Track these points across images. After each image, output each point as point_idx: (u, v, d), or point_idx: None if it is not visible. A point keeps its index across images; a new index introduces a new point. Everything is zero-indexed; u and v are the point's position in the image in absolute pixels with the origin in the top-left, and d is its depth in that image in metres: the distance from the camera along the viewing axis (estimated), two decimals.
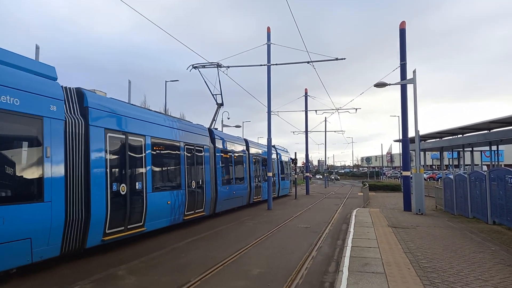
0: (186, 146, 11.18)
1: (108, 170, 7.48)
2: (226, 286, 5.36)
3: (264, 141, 20.21)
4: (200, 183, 12.02)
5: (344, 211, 15.81)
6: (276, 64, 17.46)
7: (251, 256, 7.33)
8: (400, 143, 18.54)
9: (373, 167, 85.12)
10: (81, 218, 6.76)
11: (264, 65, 17.21)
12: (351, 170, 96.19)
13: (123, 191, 7.91)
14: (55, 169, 6.18)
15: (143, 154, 8.84)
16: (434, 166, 68.29)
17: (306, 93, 29.33)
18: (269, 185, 17.46)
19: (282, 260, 6.93)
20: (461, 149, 42.67)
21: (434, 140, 43.23)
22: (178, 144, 10.73)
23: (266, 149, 20.94)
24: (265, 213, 15.14)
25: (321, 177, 53.00)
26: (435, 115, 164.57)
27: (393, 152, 75.76)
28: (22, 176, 5.75)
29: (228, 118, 18.47)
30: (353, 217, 12.11)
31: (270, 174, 17.70)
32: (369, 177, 63.65)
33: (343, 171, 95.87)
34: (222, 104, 16.47)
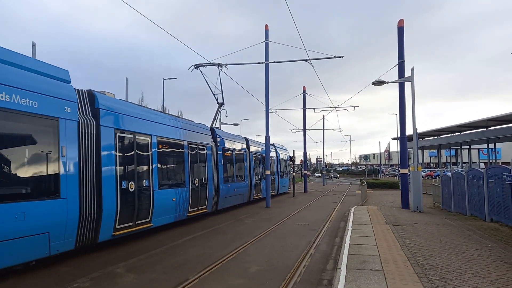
0: (189, 145, 11.51)
1: (117, 168, 7.82)
2: (225, 284, 5.36)
3: (262, 139, 20.20)
4: (203, 181, 12.37)
5: (342, 209, 15.84)
6: (274, 62, 17.44)
7: (250, 254, 7.33)
8: (398, 141, 18.60)
9: (371, 165, 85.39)
10: (94, 214, 7.09)
11: (262, 63, 17.18)
12: (349, 168, 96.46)
13: (131, 188, 8.25)
14: (70, 168, 6.56)
15: (150, 153, 9.16)
16: (432, 164, 68.57)
17: (304, 91, 29.33)
18: (267, 183, 17.45)
19: (281, 258, 6.94)
20: (459, 147, 42.85)
21: (432, 138, 43.37)
22: (182, 143, 11.07)
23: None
24: (263, 211, 15.15)
25: (320, 175, 53.04)
26: (433, 114, 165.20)
27: (391, 150, 75.99)
28: (41, 174, 6.11)
29: (226, 116, 18.46)
30: (351, 215, 12.14)
31: (268, 172, 17.69)
32: (367, 175, 63.88)
33: (341, 169, 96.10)
34: (223, 103, 16.78)
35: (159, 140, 9.65)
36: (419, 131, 20.29)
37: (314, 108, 29.41)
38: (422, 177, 20.57)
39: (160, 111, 11.49)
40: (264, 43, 17.00)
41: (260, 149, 20.11)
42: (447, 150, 52.39)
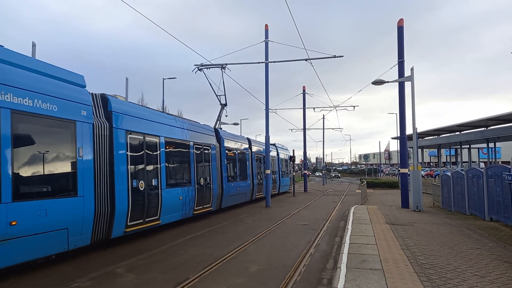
0: (195, 145, 11.90)
1: (129, 168, 8.23)
2: (225, 283, 5.36)
3: (262, 139, 20.24)
4: (208, 180, 12.73)
5: (342, 208, 15.84)
6: (274, 62, 17.42)
7: (250, 253, 7.33)
8: (398, 140, 18.59)
9: (371, 165, 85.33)
10: (107, 211, 7.49)
11: (262, 62, 17.16)
12: (349, 167, 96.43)
13: (141, 187, 8.64)
14: (86, 167, 6.97)
15: (158, 153, 9.54)
16: (431, 163, 68.56)
17: (304, 90, 29.31)
18: (267, 183, 17.45)
19: (281, 257, 6.95)
20: (459, 146, 42.86)
21: (432, 137, 43.39)
22: (188, 144, 11.47)
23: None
24: (263, 210, 15.15)
25: (321, 174, 52.85)
26: (433, 113, 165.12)
27: (391, 150, 75.99)
28: (60, 173, 6.54)
29: (226, 116, 18.48)
30: (351, 214, 12.15)
31: (268, 171, 17.66)
32: (367, 174, 63.82)
33: (341, 169, 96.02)
34: (225, 105, 17.11)
35: (166, 140, 10.01)
36: (419, 130, 20.30)
37: (314, 108, 29.41)
38: (422, 176, 20.57)
39: (167, 113, 11.98)
40: (264, 42, 16.97)
41: (262, 149, 20.36)
42: (447, 149, 52.43)
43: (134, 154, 8.51)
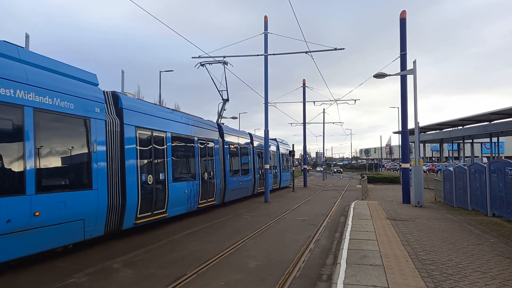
0: (199, 141, 12.29)
1: (138, 162, 8.61)
2: (223, 279, 5.31)
3: (261, 133, 20.21)
4: (211, 175, 13.12)
5: (342, 203, 15.78)
6: (273, 54, 17.19)
7: (249, 249, 7.28)
8: (400, 134, 18.44)
9: (372, 159, 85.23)
10: (119, 203, 7.89)
11: (262, 55, 16.94)
12: (350, 162, 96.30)
13: (150, 181, 9.02)
14: (100, 162, 7.36)
15: (165, 148, 9.90)
16: (433, 158, 68.38)
17: (304, 83, 29.05)
18: (266, 178, 17.39)
19: (280, 253, 6.89)
20: (461, 141, 42.63)
21: (434, 131, 43.14)
22: (192, 139, 11.85)
23: (270, 143, 22.56)
24: (262, 206, 15.11)
25: (322, 169, 52.64)
26: (435, 107, 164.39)
27: (392, 144, 75.73)
28: (77, 167, 7.00)
29: (225, 110, 18.43)
30: (351, 209, 12.08)
31: (267, 166, 17.56)
32: (367, 169, 63.63)
33: (341, 163, 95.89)
34: (227, 100, 17.24)
35: (173, 136, 10.38)
36: (421, 124, 20.08)
37: (314, 101, 29.15)
38: (424, 171, 20.45)
39: (172, 109, 12.11)
40: (263, 34, 16.74)
41: (263, 144, 20.42)
42: (449, 144, 52.18)
43: (143, 149, 8.86)
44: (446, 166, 17.58)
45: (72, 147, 6.87)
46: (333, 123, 42.06)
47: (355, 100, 27.05)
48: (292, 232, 9.10)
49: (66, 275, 5.51)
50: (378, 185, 28.80)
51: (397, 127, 36.26)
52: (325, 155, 58.20)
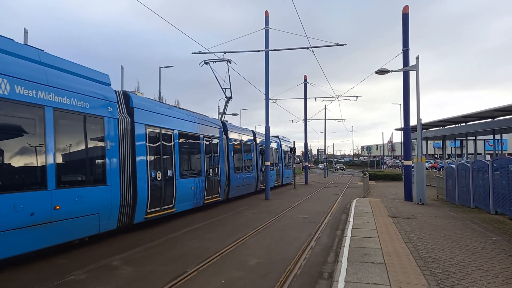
0: (204, 138, 12.64)
1: (148, 159, 8.94)
2: (223, 277, 5.28)
3: (262, 130, 20.22)
4: (216, 171, 13.47)
5: (343, 201, 15.73)
6: (274, 50, 17.09)
7: (249, 246, 7.25)
8: (402, 131, 18.35)
9: (374, 156, 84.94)
10: (131, 199, 8.23)
11: (262, 50, 16.82)
12: (351, 159, 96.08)
13: (159, 178, 9.38)
14: (113, 159, 7.71)
15: (173, 146, 10.26)
16: (436, 155, 68.11)
17: (305, 80, 28.88)
18: (267, 175, 17.37)
19: (281, 251, 6.85)
20: (464, 138, 42.42)
21: (437, 128, 42.94)
22: (198, 136, 12.21)
23: (273, 140, 22.86)
24: (263, 203, 15.07)
25: (323, 166, 52.34)
26: (438, 104, 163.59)
27: (394, 141, 75.49)
28: (93, 164, 7.35)
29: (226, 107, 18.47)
30: (353, 207, 12.03)
31: (268, 163, 17.53)
32: (369, 166, 63.50)
33: (343, 160, 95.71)
34: (231, 98, 17.52)
35: (180, 134, 10.72)
36: (423, 121, 19.99)
37: (315, 98, 28.93)
38: (426, 168, 20.36)
39: (179, 107, 12.59)
40: (264, 30, 16.60)
41: None
42: (452, 141, 51.93)
43: (152, 146, 9.20)
44: (448, 163, 17.47)
45: (88, 145, 7.23)
46: (335, 119, 41.98)
47: (356, 97, 26.92)
48: (293, 229, 9.06)
49: (66, 272, 5.50)
50: (380, 183, 28.71)
51: (399, 123, 36.10)
52: (326, 152, 58.04)
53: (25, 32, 7.27)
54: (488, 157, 38.58)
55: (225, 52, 16.06)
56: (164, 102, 18.38)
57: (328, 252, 6.76)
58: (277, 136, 25.58)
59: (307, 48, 16.06)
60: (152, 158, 9.18)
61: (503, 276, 4.86)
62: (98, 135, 7.41)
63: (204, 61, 16.45)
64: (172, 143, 10.22)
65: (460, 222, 9.29)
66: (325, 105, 38.89)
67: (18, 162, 5.73)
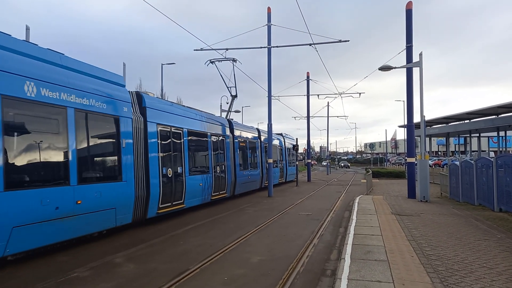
0: (212, 136, 13.06)
1: (159, 157, 9.33)
2: (226, 274, 5.28)
3: (264, 127, 20.28)
4: (223, 168, 13.89)
5: (346, 198, 15.68)
6: (276, 46, 16.96)
7: (251, 243, 7.24)
8: (405, 128, 18.22)
9: (377, 154, 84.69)
10: (144, 194, 8.65)
11: (264, 47, 16.73)
12: (354, 156, 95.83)
13: (169, 174, 9.78)
14: (128, 156, 8.08)
15: (182, 144, 10.65)
16: (440, 152, 67.74)
17: (308, 76, 28.74)
18: (270, 172, 17.34)
19: (283, 248, 6.84)
20: (468, 135, 42.10)
21: (440, 125, 42.65)
22: (206, 134, 12.61)
23: (276, 137, 23.19)
24: (265, 200, 15.06)
25: (329, 164, 51.86)
26: (442, 101, 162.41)
27: (397, 138, 75.08)
28: (110, 161, 7.79)
29: (227, 103, 18.51)
30: (356, 204, 11.99)
31: (270, 160, 17.50)
32: (372, 163, 63.32)
33: (346, 158, 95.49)
34: (236, 96, 17.79)
35: (189, 132, 11.12)
36: (427, 118, 19.84)
37: (318, 95, 28.78)
38: (430, 166, 20.25)
39: (188, 107, 12.67)
40: (266, 26, 16.48)
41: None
42: (455, 138, 51.61)
43: (163, 144, 9.60)
44: (452, 161, 17.34)
45: (105, 143, 7.70)
46: (338, 116, 41.91)
47: (359, 93, 26.76)
48: (296, 227, 9.04)
49: (69, 269, 5.51)
50: (383, 180, 28.61)
51: (403, 120, 35.87)
52: (329, 149, 57.85)
53: (27, 29, 7.31)
54: (492, 154, 38.28)
55: (227, 49, 16.03)
56: (166, 99, 18.52)
57: (331, 250, 6.74)
58: (281, 134, 25.77)
59: (310, 44, 15.95)
60: (164, 155, 9.55)
61: (507, 274, 4.82)
62: (114, 134, 7.81)
63: (210, 60, 16.73)
64: (182, 141, 10.61)
65: (464, 220, 9.22)
66: (328, 102, 38.79)
67: (44, 159, 6.11)
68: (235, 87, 17.56)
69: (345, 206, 12.88)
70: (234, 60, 16.64)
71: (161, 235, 8.02)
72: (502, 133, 38.26)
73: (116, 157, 7.81)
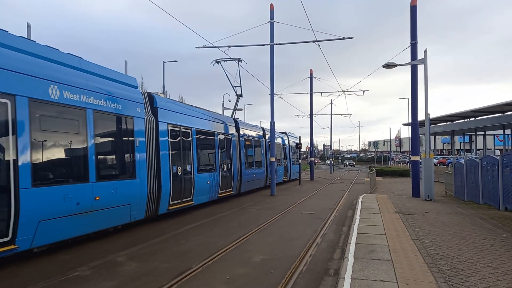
0: (218, 135, 13.38)
1: (170, 155, 9.68)
2: (228, 273, 5.25)
3: (267, 125, 20.32)
4: (229, 166, 14.22)
5: (350, 197, 15.59)
6: (279, 44, 16.87)
7: (254, 243, 7.21)
8: (409, 126, 18.09)
9: (381, 152, 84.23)
10: (156, 191, 9.02)
11: (267, 44, 16.63)
12: (358, 155, 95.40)
13: (179, 172, 10.13)
14: (141, 155, 8.46)
15: (191, 143, 11.03)
16: (444, 151, 67.22)
17: (311, 74, 28.60)
18: (272, 170, 17.28)
19: (286, 247, 6.80)
20: (473, 133, 41.73)
21: (445, 123, 42.31)
22: (213, 134, 12.95)
23: (281, 136, 23.50)
24: (267, 199, 15.02)
25: (333, 162, 51.28)
26: (446, 98, 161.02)
27: (402, 136, 74.65)
28: (124, 160, 8.15)
29: (229, 101, 18.63)
30: (359, 203, 11.91)
31: (273, 159, 17.43)
32: (376, 162, 62.90)
33: (349, 156, 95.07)
34: (241, 95, 18.02)
35: (197, 131, 11.48)
36: (431, 116, 19.69)
37: (321, 93, 28.50)
38: (434, 164, 20.07)
39: (196, 107, 12.87)
40: (269, 23, 16.39)
41: (275, 137, 21.61)
42: (460, 136, 51.14)
43: (173, 143, 9.96)
44: (457, 159, 17.17)
45: (121, 142, 8.04)
46: (341, 114, 41.72)
47: (363, 91, 26.51)
48: (299, 226, 9.00)
49: (70, 268, 5.51)
50: (387, 178, 28.43)
51: (407, 118, 35.61)
52: (332, 148, 57.60)
53: (28, 26, 7.33)
54: (497, 152, 37.89)
55: (229, 46, 15.97)
56: (168, 97, 18.68)
57: (334, 249, 6.69)
58: (285, 133, 26.01)
59: (313, 42, 15.84)
60: (174, 154, 9.91)
61: None
62: (128, 134, 8.16)
63: (216, 60, 16.96)
64: (190, 140, 10.98)
65: (469, 219, 9.12)
66: (331, 100, 38.66)
67: (66, 158, 6.56)
68: (240, 86, 17.76)
69: (348, 205, 12.80)
70: (239, 60, 16.81)
71: (163, 234, 8.01)
72: (508, 131, 37.86)
73: (130, 156, 8.16)
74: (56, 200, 6.07)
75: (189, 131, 11.00)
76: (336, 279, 4.79)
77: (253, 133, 18.20)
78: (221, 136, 13.63)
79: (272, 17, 16.49)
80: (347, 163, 64.37)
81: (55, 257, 6.20)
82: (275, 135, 20.99)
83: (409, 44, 13.73)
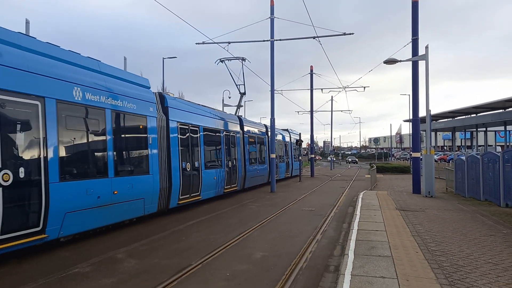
0: (224, 132, 13.87)
1: (180, 152, 10.18)
2: (228, 270, 5.25)
3: (267, 122, 20.36)
4: (234, 163, 14.67)
5: (350, 193, 15.59)
6: (280, 40, 16.78)
7: (254, 239, 7.20)
8: (410, 123, 18.03)
9: (382, 149, 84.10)
10: (167, 186, 9.51)
11: (267, 40, 16.54)
12: (358, 151, 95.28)
13: (188, 168, 10.65)
14: (154, 152, 8.93)
15: (199, 140, 11.55)
16: (445, 147, 67.10)
17: (311, 70, 28.51)
18: (272, 167, 17.24)
19: (286, 244, 6.80)
20: (474, 129, 41.60)
21: (446, 120, 42.16)
22: (219, 131, 13.47)
23: (282, 133, 23.70)
24: (268, 196, 15.02)
25: (335, 159, 50.87)
26: (447, 94, 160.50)
27: (402, 133, 74.53)
28: (139, 156, 8.64)
29: (229, 98, 18.63)
30: (360, 200, 11.90)
31: (273, 155, 17.39)
32: (377, 158, 62.88)
33: (350, 152, 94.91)
34: (244, 93, 18.32)
35: (204, 129, 12.03)
36: (432, 112, 19.61)
37: (322, 89, 28.44)
38: (435, 160, 20.03)
39: (203, 105, 13.16)
40: (269, 19, 16.28)
41: (279, 135, 22.01)
42: (461, 132, 51.02)
43: (182, 140, 10.42)
44: (458, 155, 17.12)
45: (135, 140, 8.62)
46: (342, 111, 41.59)
47: (364, 87, 26.50)
48: (299, 222, 8.99)
49: (70, 264, 5.52)
50: (388, 175, 28.42)
51: (408, 115, 35.51)
52: (333, 144, 57.54)
53: (27, 22, 7.28)
54: (499, 149, 37.80)
55: (229, 42, 15.89)
56: (168, 93, 18.79)
57: (334, 246, 6.69)
58: (287, 130, 26.21)
59: (314, 37, 15.74)
60: (183, 151, 10.38)
61: None
62: (142, 132, 8.64)
63: (220, 59, 17.15)
64: (198, 137, 11.48)
65: (470, 215, 9.10)
66: (332, 96, 38.62)
67: (88, 154, 7.08)
68: (244, 84, 17.95)
69: (348, 202, 12.80)
70: (243, 59, 17.03)
71: (163, 231, 8.01)
72: (509, 128, 37.73)
73: (144, 153, 8.64)
74: (80, 193, 6.56)
75: (197, 129, 11.47)
76: (336, 275, 4.79)
77: (256, 130, 18.52)
78: (227, 134, 14.04)
79: (272, 13, 16.38)
80: (350, 159, 63.80)
81: (55, 253, 6.20)
82: (277, 132, 21.14)
83: (410, 40, 13.64)
